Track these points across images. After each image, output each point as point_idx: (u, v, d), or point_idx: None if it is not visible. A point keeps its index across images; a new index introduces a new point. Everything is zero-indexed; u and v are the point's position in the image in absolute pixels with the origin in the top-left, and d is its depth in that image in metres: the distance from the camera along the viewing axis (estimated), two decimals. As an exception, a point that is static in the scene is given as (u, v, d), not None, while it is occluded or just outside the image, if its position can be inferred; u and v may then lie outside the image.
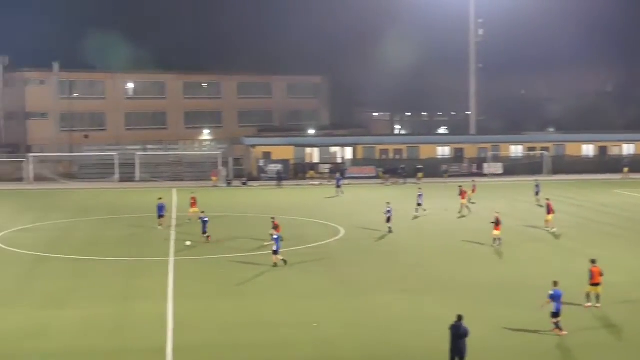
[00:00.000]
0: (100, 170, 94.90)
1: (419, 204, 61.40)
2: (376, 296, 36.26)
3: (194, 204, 58.89)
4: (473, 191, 69.81)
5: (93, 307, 34.48)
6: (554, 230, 53.48)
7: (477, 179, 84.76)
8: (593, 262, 33.78)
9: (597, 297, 33.50)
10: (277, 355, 28.44)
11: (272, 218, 47.99)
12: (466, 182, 71.75)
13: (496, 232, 47.50)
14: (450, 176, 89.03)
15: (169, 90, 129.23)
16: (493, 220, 47.88)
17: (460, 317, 26.00)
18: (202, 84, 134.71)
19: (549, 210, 53.95)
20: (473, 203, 67.52)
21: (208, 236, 49.39)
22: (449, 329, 25.98)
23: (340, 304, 35.00)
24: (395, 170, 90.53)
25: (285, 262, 42.29)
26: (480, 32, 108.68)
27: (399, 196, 62.63)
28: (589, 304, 33.46)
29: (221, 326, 31.65)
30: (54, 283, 39.20)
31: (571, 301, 32.47)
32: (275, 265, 41.95)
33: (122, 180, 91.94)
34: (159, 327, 31.20)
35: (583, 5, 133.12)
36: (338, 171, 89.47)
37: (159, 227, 54.77)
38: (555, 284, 30.38)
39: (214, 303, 35.16)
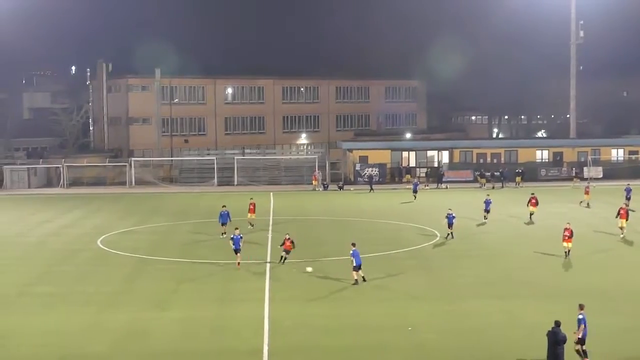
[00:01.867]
0: (199, 174, 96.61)
1: (487, 211, 60.27)
2: (472, 301, 36.09)
3: (252, 209, 57.81)
4: (586, 193, 69.15)
5: (193, 309, 35.28)
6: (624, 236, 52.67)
7: (578, 183, 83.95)
8: None
9: None
10: (371, 359, 28.63)
11: (287, 234, 44.81)
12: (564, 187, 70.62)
13: (566, 244, 45.94)
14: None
15: (267, 95, 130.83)
16: (565, 233, 46.03)
17: (558, 323, 25.79)
18: (300, 89, 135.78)
19: (622, 216, 53.01)
20: (587, 207, 67.34)
21: (238, 262, 43.85)
22: (547, 335, 25.79)
23: (436, 308, 35.00)
24: (492, 173, 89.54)
25: (359, 280, 39.55)
26: (581, 33, 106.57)
27: (494, 201, 61.95)
28: None
29: (316, 329, 31.96)
30: (155, 285, 40.16)
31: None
32: (356, 282, 39.37)
33: (220, 184, 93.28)
34: (255, 329, 31.71)
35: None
36: (434, 175, 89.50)
37: (222, 236, 52.61)
38: (581, 307, 28.31)
39: (309, 306, 35.56)
